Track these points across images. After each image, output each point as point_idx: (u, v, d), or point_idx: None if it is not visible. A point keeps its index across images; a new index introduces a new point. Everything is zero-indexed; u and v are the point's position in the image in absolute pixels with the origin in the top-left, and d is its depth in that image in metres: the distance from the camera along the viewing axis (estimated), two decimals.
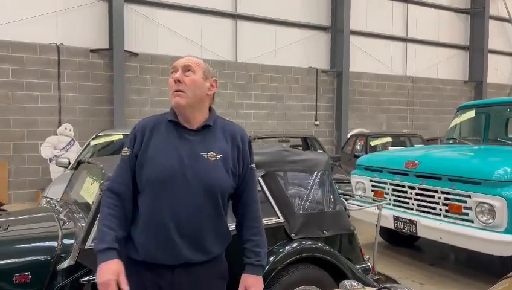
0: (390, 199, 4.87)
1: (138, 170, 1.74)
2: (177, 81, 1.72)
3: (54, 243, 2.31)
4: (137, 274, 1.72)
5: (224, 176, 1.75)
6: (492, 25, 15.55)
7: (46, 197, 4.40)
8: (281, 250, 2.66)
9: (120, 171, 1.78)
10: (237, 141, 1.81)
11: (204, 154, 1.73)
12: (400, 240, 5.66)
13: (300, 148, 8.85)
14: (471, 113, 5.92)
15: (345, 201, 3.25)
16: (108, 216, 1.70)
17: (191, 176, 1.68)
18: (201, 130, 1.76)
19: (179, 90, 1.72)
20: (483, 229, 3.94)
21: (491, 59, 15.52)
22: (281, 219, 2.77)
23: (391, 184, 4.90)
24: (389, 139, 9.77)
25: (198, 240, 1.72)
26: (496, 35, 15.87)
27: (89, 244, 2.21)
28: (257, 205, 1.88)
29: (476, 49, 15.29)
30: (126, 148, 1.79)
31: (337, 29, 12.46)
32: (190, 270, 1.73)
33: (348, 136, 10.86)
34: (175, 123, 1.76)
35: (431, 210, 4.45)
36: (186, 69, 1.74)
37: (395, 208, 4.85)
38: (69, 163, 6.08)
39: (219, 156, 1.74)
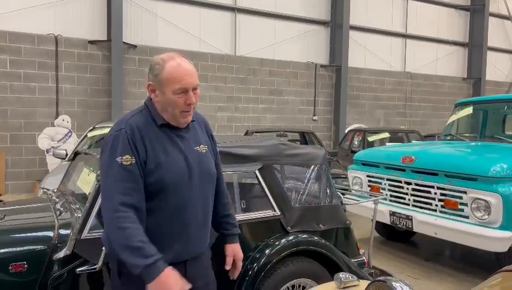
0: (386, 194, 4.90)
1: (148, 176, 1.67)
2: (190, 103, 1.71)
3: (50, 233, 2.31)
4: None
5: (213, 164, 1.90)
6: (492, 22, 15.55)
7: (43, 188, 4.41)
8: (276, 243, 2.67)
9: (127, 182, 1.62)
10: (208, 129, 1.96)
11: (198, 148, 1.82)
12: (396, 235, 5.69)
13: (298, 142, 8.86)
14: (469, 110, 5.94)
15: (341, 195, 3.26)
16: (139, 231, 1.58)
17: (197, 172, 1.77)
18: (187, 126, 1.81)
19: (190, 110, 1.74)
20: (478, 225, 3.96)
21: (490, 56, 15.53)
22: (277, 212, 2.78)
23: (388, 179, 4.92)
24: (386, 135, 9.79)
25: (207, 231, 1.86)
26: (496, 33, 15.87)
27: (85, 234, 2.20)
28: (225, 183, 2.04)
29: (475, 46, 15.29)
30: (128, 156, 1.63)
31: (336, 24, 12.43)
32: (198, 260, 1.82)
33: (346, 132, 10.87)
34: (166, 125, 1.76)
35: (427, 206, 4.48)
36: (195, 88, 1.73)
37: (391, 203, 4.88)
38: (66, 154, 6.08)
39: (206, 146, 1.86)
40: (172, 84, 1.68)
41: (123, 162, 1.63)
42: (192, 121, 1.82)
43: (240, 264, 2.01)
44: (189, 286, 1.62)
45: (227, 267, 1.97)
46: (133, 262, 1.55)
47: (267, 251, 2.61)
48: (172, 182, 1.70)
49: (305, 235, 2.79)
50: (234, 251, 1.98)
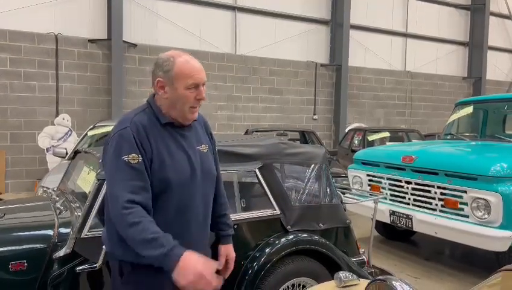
0: (386, 194, 4.89)
1: (151, 175, 1.67)
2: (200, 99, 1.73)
3: (50, 232, 2.31)
4: (151, 276, 1.71)
5: (213, 163, 1.91)
6: (493, 21, 15.53)
7: (43, 186, 4.40)
8: (276, 242, 2.67)
9: (134, 180, 1.61)
10: (208, 128, 1.97)
11: (199, 148, 1.83)
12: (396, 235, 5.69)
13: (298, 142, 8.85)
14: (469, 109, 5.93)
15: (341, 194, 3.26)
16: (151, 223, 1.57)
17: (199, 171, 1.78)
18: (189, 125, 1.82)
19: (198, 106, 1.75)
20: (478, 224, 3.96)
21: (491, 56, 15.51)
22: (277, 211, 2.78)
23: (388, 179, 4.92)
24: (386, 134, 9.79)
25: (207, 230, 1.88)
26: (496, 32, 15.85)
27: (85, 233, 2.21)
28: (222, 183, 2.04)
29: (476, 46, 15.27)
30: (134, 155, 1.63)
31: (337, 23, 12.41)
32: None
33: (346, 131, 10.87)
34: (169, 124, 1.76)
35: (427, 205, 4.48)
36: (204, 83, 1.75)
37: (391, 202, 4.88)
38: (66, 153, 6.07)
39: (207, 146, 1.87)
40: (185, 79, 1.69)
41: (130, 161, 1.62)
42: (195, 120, 1.83)
43: (232, 264, 2.01)
44: (217, 264, 1.62)
45: (219, 267, 1.96)
46: (150, 254, 1.53)
47: (267, 250, 2.61)
48: (176, 181, 1.70)
49: (305, 235, 2.79)
50: (227, 251, 1.99)
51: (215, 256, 1.98)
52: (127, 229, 1.57)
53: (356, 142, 9.38)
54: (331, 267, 2.76)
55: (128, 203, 1.57)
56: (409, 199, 4.67)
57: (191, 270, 1.50)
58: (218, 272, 1.99)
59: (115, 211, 1.61)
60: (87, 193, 2.52)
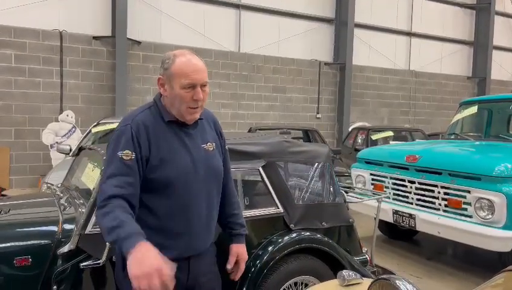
0: (389, 193, 4.89)
1: (151, 172, 1.68)
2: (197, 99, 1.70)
3: (54, 228, 2.32)
4: None
5: (220, 162, 1.89)
6: (498, 21, 15.45)
7: (47, 183, 4.42)
8: (279, 240, 2.67)
9: (124, 175, 1.63)
10: (217, 127, 1.95)
11: (205, 146, 1.82)
12: (399, 234, 5.68)
13: (301, 140, 8.84)
14: (473, 109, 5.91)
15: (344, 193, 3.26)
16: (124, 214, 1.54)
17: (203, 170, 1.77)
18: (195, 123, 1.81)
19: (197, 107, 1.73)
20: (482, 224, 3.95)
21: (495, 55, 15.44)
22: (281, 210, 2.78)
23: (391, 178, 4.91)
24: (390, 133, 9.76)
25: (211, 228, 1.86)
26: (501, 32, 15.77)
27: (89, 229, 2.21)
28: (233, 182, 2.05)
29: (481, 45, 15.20)
30: (128, 151, 1.65)
31: (341, 22, 12.38)
32: (201, 258, 1.82)
33: (350, 130, 10.85)
34: (173, 122, 1.77)
35: (430, 205, 4.47)
36: (204, 84, 1.73)
37: (394, 201, 4.87)
38: (70, 150, 6.10)
39: (213, 144, 1.85)
40: (181, 79, 1.68)
41: (123, 157, 1.66)
42: (201, 118, 1.82)
43: (243, 265, 1.99)
44: (173, 270, 1.49)
45: (229, 266, 1.96)
46: (111, 239, 1.51)
47: (269, 248, 2.61)
48: (177, 179, 1.70)
49: (308, 233, 2.79)
50: (238, 251, 1.97)
51: (225, 255, 1.98)
52: (100, 219, 1.58)
53: (359, 141, 9.36)
54: (333, 266, 2.76)
55: (110, 197, 1.59)
56: (412, 198, 4.66)
57: (145, 264, 1.40)
58: (228, 272, 1.99)
59: (99, 198, 1.64)
60: (91, 189, 2.53)
